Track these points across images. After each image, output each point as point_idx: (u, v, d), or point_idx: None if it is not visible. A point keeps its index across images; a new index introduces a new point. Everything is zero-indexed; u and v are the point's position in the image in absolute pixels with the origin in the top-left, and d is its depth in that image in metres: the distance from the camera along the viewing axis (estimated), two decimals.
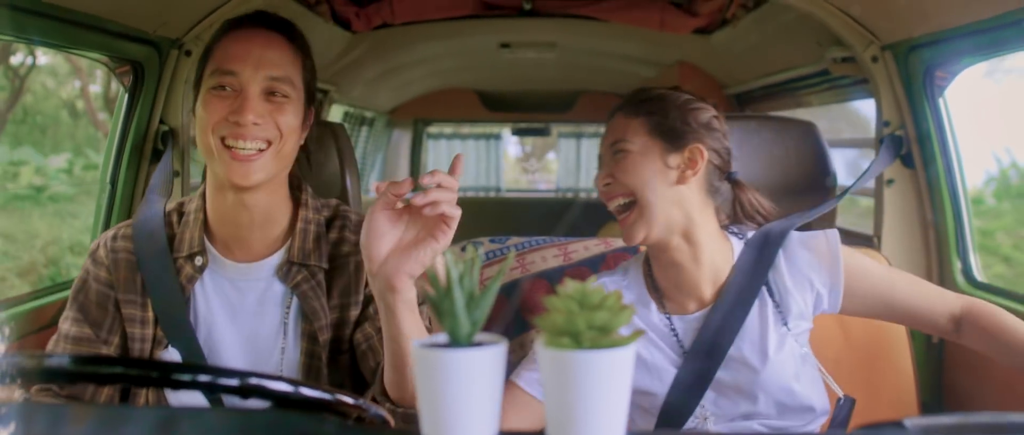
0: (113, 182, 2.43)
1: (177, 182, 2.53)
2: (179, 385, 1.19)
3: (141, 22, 2.26)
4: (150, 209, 1.87)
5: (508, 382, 1.81)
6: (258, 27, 1.74)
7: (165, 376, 1.18)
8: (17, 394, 1.51)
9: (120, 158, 2.43)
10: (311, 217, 1.82)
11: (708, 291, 1.82)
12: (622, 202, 1.79)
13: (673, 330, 1.82)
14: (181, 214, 1.84)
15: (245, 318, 1.78)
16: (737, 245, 1.87)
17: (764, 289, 1.81)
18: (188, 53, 2.48)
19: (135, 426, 1.02)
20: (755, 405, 1.78)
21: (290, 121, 1.71)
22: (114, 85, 11.10)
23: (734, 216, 1.90)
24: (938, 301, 1.84)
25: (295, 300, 1.77)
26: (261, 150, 1.68)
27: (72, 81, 11.62)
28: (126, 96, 2.42)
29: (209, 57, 1.73)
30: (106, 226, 2.43)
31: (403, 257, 1.48)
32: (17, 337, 2.04)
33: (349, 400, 1.19)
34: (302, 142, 1.81)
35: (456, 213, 1.48)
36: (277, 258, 1.79)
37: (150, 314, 1.77)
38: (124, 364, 1.23)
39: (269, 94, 1.70)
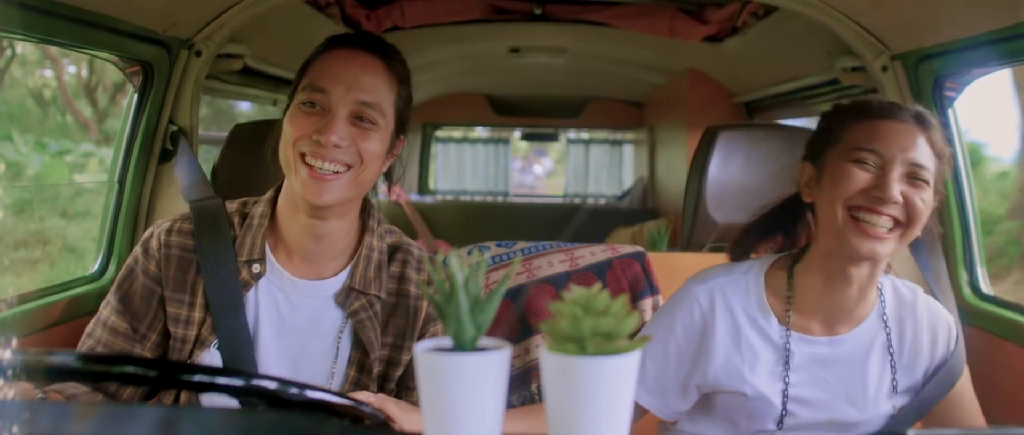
0: (121, 181, 2.43)
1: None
2: (184, 386, 1.19)
3: (151, 22, 2.26)
4: (210, 204, 1.83)
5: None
6: (358, 48, 1.72)
7: (169, 376, 1.18)
8: (29, 391, 1.52)
9: (129, 158, 2.44)
10: (375, 244, 1.80)
11: (840, 321, 1.79)
12: (889, 225, 1.67)
13: (787, 348, 1.78)
14: (244, 216, 1.80)
15: (292, 334, 1.75)
16: (878, 303, 1.83)
17: (890, 346, 1.80)
18: (198, 53, 2.48)
19: (138, 425, 1.02)
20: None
21: (374, 148, 1.68)
22: (87, 74, 11.07)
23: None
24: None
25: (348, 326, 1.76)
26: (338, 172, 1.65)
27: (40, 70, 11.54)
28: (135, 96, 2.43)
29: (305, 71, 1.72)
30: (114, 225, 2.43)
31: None
32: (25, 334, 2.04)
33: (350, 402, 1.19)
34: (386, 169, 1.80)
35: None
36: (338, 282, 1.77)
37: (196, 315, 1.73)
38: (128, 363, 1.23)
39: (357, 118, 1.67)
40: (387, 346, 1.78)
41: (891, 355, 1.80)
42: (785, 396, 1.76)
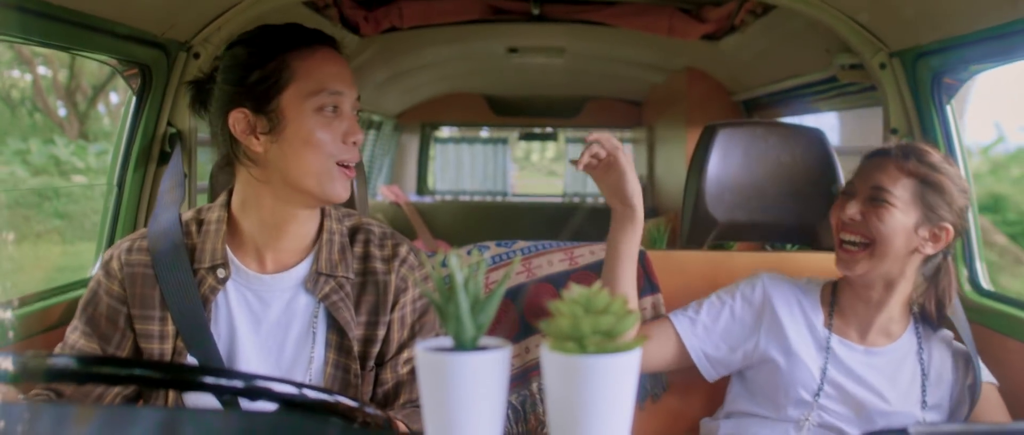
0: (120, 184, 2.43)
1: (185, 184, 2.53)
2: (183, 387, 1.19)
3: (149, 24, 2.26)
4: (166, 218, 1.84)
5: (663, 318, 2.14)
6: (331, 46, 1.77)
7: (171, 378, 1.18)
8: (21, 395, 1.51)
9: (127, 160, 2.44)
10: (335, 227, 1.82)
11: (872, 333, 2.01)
12: (857, 240, 1.94)
13: (828, 343, 2.01)
14: (200, 223, 1.81)
15: (269, 329, 1.76)
16: (912, 325, 2.03)
17: (922, 367, 1.99)
18: (196, 56, 2.48)
19: (138, 428, 1.02)
20: (853, 431, 1.94)
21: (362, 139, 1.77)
22: (67, 77, 11.11)
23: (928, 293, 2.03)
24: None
25: (322, 311, 1.76)
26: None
27: (8, 71, 11.51)
28: (134, 99, 2.43)
29: (289, 73, 1.69)
30: (113, 228, 2.43)
31: None
32: (23, 338, 2.04)
33: (353, 403, 1.19)
34: None
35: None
36: (303, 269, 1.78)
37: (170, 328, 1.73)
38: (129, 365, 1.23)
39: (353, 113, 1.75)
40: (361, 325, 1.78)
41: (922, 371, 1.99)
42: (824, 372, 1.97)
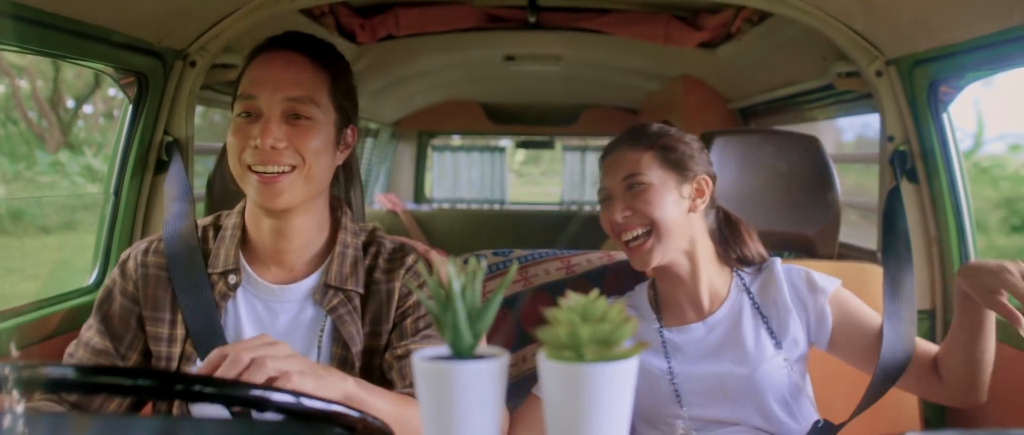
0: (116, 193, 2.43)
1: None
2: (181, 397, 1.19)
3: (145, 33, 2.26)
4: (183, 222, 1.85)
5: (531, 395, 2.00)
6: (283, 49, 1.74)
7: (167, 387, 1.18)
8: (20, 404, 1.51)
9: (124, 169, 2.43)
10: (350, 241, 1.80)
11: (705, 304, 2.00)
12: (638, 232, 1.94)
13: (663, 339, 1.99)
14: (217, 229, 1.82)
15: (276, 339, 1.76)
16: (734, 277, 2.04)
17: (758, 309, 1.99)
18: (193, 64, 2.48)
19: None
20: (735, 411, 1.91)
21: (314, 145, 1.69)
22: (51, 89, 11.18)
23: (725, 245, 2.07)
24: (925, 344, 2.00)
25: (328, 324, 1.75)
26: (284, 172, 1.67)
27: None
28: (130, 107, 2.43)
29: (239, 83, 1.74)
30: (109, 237, 2.43)
31: None
32: (21, 347, 2.04)
33: (352, 412, 1.18)
34: (342, 162, 1.82)
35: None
36: (313, 281, 1.77)
37: (179, 332, 1.73)
38: (125, 375, 1.22)
39: (291, 117, 1.69)
40: (366, 335, 1.77)
41: (761, 315, 1.98)
42: (671, 372, 1.95)
